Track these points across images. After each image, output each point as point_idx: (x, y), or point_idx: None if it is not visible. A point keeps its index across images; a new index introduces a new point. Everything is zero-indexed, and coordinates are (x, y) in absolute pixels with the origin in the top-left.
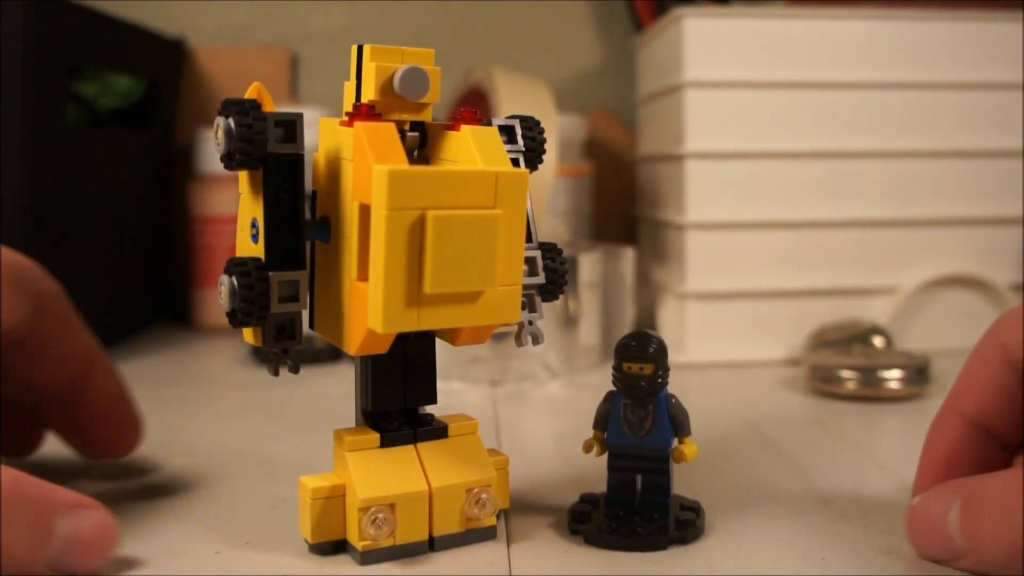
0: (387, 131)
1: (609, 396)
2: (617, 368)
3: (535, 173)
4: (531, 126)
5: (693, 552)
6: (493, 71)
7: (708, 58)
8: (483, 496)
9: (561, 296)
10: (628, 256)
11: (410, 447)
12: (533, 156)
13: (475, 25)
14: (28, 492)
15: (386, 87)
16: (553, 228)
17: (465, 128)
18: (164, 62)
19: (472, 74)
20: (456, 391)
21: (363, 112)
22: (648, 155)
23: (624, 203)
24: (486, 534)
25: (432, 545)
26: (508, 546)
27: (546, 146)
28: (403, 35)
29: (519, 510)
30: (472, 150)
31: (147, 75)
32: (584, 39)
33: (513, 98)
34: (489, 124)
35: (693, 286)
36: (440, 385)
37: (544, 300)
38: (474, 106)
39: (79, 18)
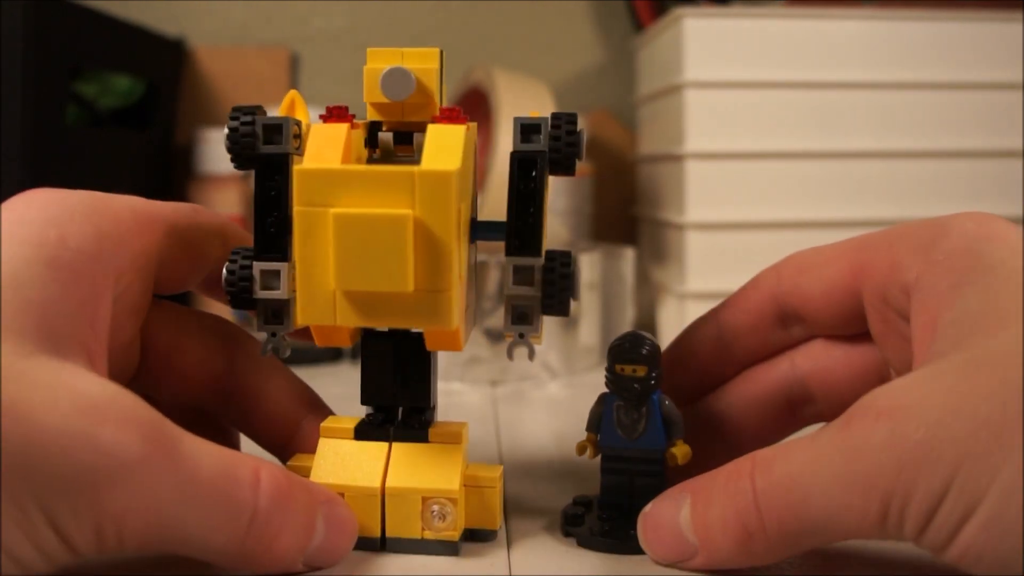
0: (335, 131)
1: (602, 398)
2: (610, 370)
3: None
4: (560, 123)
5: None
6: (493, 71)
7: (708, 58)
8: (439, 508)
9: (570, 310)
10: (628, 256)
11: (384, 444)
12: (557, 156)
13: (475, 25)
14: (300, 492)
15: (377, 88)
16: (553, 228)
17: (430, 127)
18: (164, 62)
19: (472, 74)
20: (456, 391)
21: (334, 114)
22: (648, 155)
23: (624, 203)
24: (444, 548)
25: (383, 545)
26: (508, 546)
27: (579, 146)
28: (403, 35)
29: (519, 510)
30: (424, 149)
31: (147, 75)
32: (584, 39)
33: (513, 98)
34: (519, 120)
35: (693, 286)
36: (440, 385)
37: (546, 313)
38: (474, 106)
39: (79, 18)
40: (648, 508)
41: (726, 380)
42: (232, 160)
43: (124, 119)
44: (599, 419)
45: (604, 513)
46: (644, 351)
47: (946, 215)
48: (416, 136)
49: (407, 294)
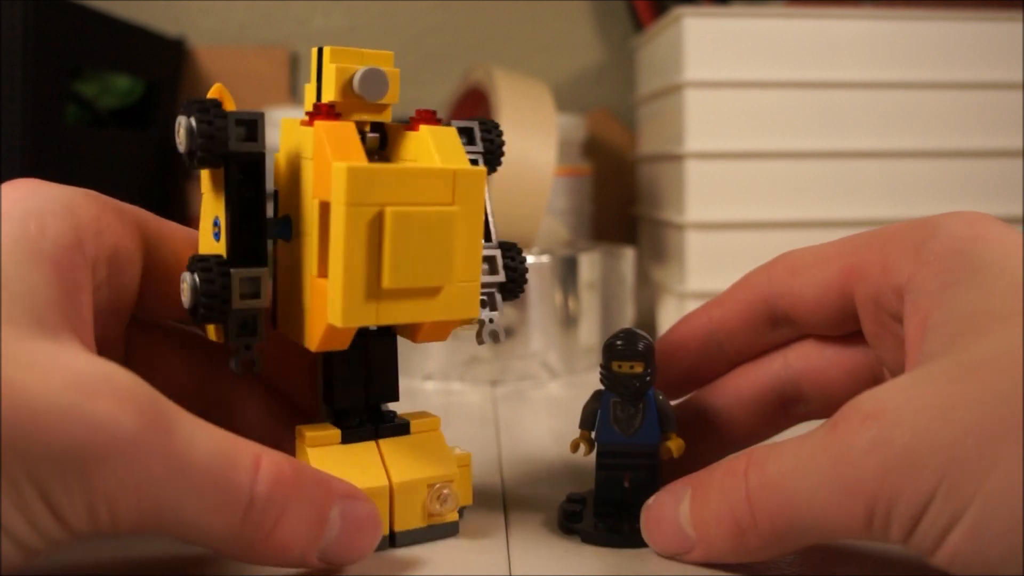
0: (346, 130)
1: (597, 395)
2: (606, 367)
3: (535, 172)
4: (490, 128)
5: None
6: (493, 71)
7: (708, 58)
8: (444, 492)
9: (520, 295)
10: (628, 256)
11: (372, 443)
12: (491, 158)
13: (475, 25)
14: (310, 483)
15: (346, 88)
16: (553, 228)
17: (424, 128)
18: (164, 62)
19: (472, 74)
20: (456, 391)
21: (323, 112)
22: (648, 155)
23: (624, 203)
24: (448, 530)
25: (393, 540)
26: (508, 546)
27: (544, 146)
28: (403, 35)
29: (519, 509)
30: (431, 149)
31: (147, 75)
32: (584, 39)
33: (513, 98)
34: (449, 125)
35: (693, 286)
36: (440, 385)
37: (505, 299)
38: (474, 106)
39: (79, 18)
40: (651, 500)
41: (716, 376)
42: (196, 158)
43: (124, 119)
44: (594, 416)
45: (601, 508)
46: (640, 348)
47: (936, 215)
48: (368, 137)
49: (443, 287)
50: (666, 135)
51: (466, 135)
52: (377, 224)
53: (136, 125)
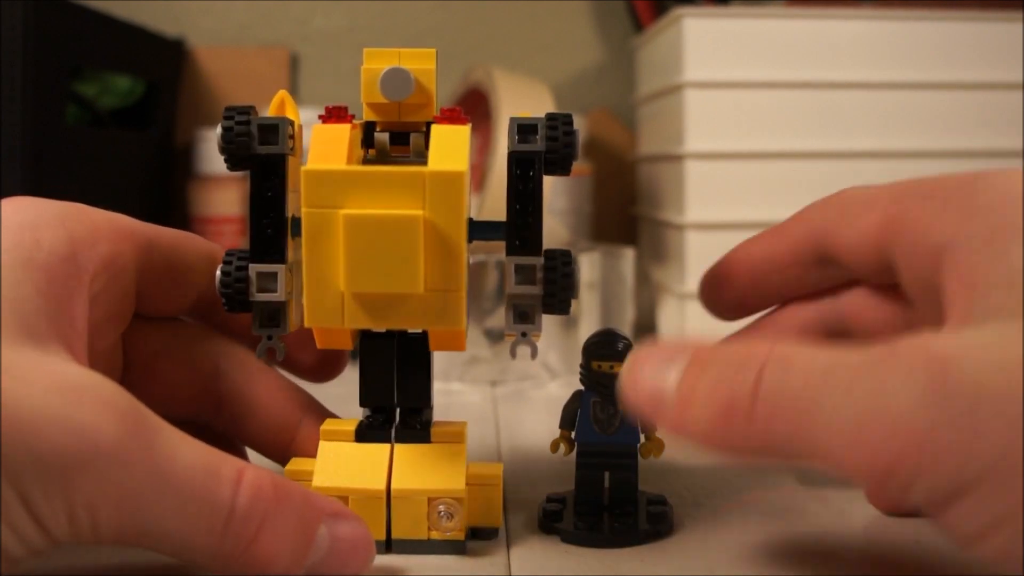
0: (337, 132)
1: (577, 395)
2: (586, 367)
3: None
4: (556, 124)
5: (692, 551)
6: (493, 71)
7: (708, 58)
8: (445, 509)
9: (570, 309)
10: (628, 256)
11: (385, 446)
12: (555, 156)
13: (475, 25)
14: (293, 498)
15: (375, 89)
16: (553, 228)
17: (433, 128)
18: (164, 62)
19: (472, 74)
20: (456, 391)
21: (334, 114)
22: (648, 155)
23: (624, 203)
24: (452, 547)
25: (390, 546)
26: (508, 546)
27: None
28: (403, 35)
29: (519, 510)
30: (431, 150)
31: (147, 75)
32: (584, 39)
33: (513, 98)
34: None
35: (693, 286)
36: (440, 385)
37: (547, 312)
38: (474, 106)
39: (79, 18)
40: (641, 351)
41: (764, 307)
42: (226, 161)
43: (124, 119)
44: (574, 416)
45: (581, 508)
46: (619, 347)
47: (980, 171)
48: (413, 137)
49: (416, 295)
50: (666, 135)
51: (527, 131)
52: (337, 227)
53: (136, 125)
